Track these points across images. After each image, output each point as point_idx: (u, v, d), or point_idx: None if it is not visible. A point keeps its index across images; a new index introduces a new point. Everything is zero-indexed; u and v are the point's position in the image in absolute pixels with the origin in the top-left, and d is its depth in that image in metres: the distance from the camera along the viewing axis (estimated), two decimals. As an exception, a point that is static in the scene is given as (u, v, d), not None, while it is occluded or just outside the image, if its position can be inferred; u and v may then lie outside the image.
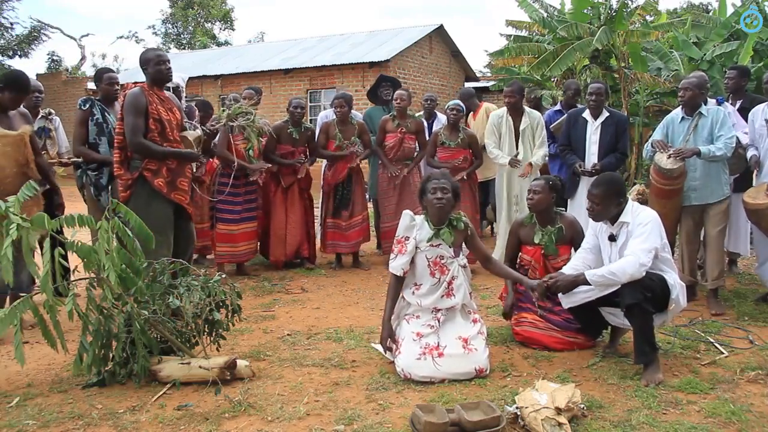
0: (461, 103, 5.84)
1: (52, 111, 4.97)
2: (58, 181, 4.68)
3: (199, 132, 4.37)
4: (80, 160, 4.75)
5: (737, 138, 4.39)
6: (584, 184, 5.10)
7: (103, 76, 4.91)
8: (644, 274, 3.12)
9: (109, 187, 4.76)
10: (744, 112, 4.90)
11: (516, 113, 5.60)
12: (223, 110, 5.43)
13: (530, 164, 5.51)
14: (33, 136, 4.26)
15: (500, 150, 5.60)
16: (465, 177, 5.53)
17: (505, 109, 5.67)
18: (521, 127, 5.55)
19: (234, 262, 5.80)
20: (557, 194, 3.90)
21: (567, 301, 3.45)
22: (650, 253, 3.15)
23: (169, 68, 4.13)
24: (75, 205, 6.17)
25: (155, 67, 4.08)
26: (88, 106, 4.79)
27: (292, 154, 5.81)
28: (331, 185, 5.89)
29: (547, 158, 5.83)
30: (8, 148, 3.99)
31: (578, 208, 5.00)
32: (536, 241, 3.85)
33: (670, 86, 9.76)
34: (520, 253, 3.98)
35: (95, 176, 4.77)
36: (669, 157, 4.25)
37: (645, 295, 3.11)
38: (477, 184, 6.03)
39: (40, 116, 4.77)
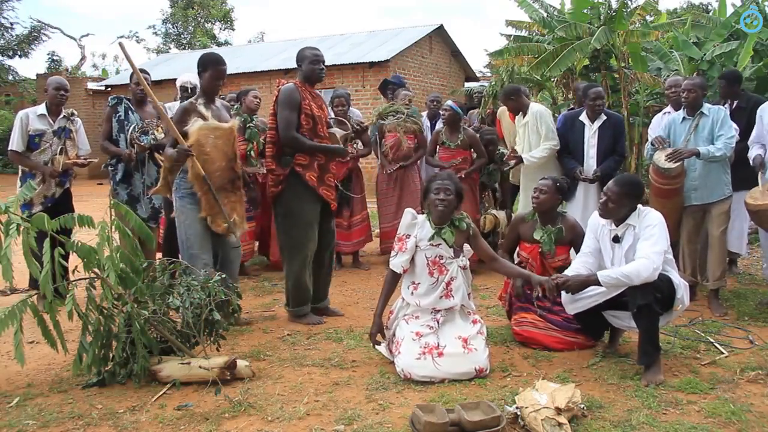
0: (453, 104, 5.81)
1: (75, 112, 4.93)
2: (76, 181, 4.75)
3: (345, 131, 4.44)
4: (96, 160, 4.77)
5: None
6: (582, 188, 5.09)
7: (133, 75, 4.89)
8: (656, 277, 3.12)
9: (126, 183, 4.78)
10: (740, 111, 4.89)
11: (518, 113, 5.51)
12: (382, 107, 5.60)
13: (520, 158, 5.32)
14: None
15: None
16: (463, 175, 5.49)
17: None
18: (521, 123, 5.47)
19: None
20: (562, 196, 3.91)
21: (572, 307, 3.44)
22: (662, 255, 3.15)
23: (323, 69, 4.21)
24: (84, 204, 6.18)
25: (309, 65, 4.17)
26: (113, 103, 4.85)
27: None
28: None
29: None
30: (219, 141, 3.92)
31: (575, 211, 4.98)
32: (536, 237, 3.85)
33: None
34: (518, 249, 3.99)
35: (112, 171, 4.81)
36: (667, 157, 4.25)
37: (655, 296, 3.11)
38: (478, 185, 5.99)
39: (62, 116, 4.75)
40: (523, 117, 5.45)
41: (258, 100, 5.76)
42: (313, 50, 4.21)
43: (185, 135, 3.82)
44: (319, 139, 4.16)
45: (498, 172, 6.06)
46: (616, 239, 3.36)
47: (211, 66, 3.95)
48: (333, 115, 5.44)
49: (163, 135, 4.75)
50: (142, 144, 4.72)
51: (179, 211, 3.94)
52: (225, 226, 3.94)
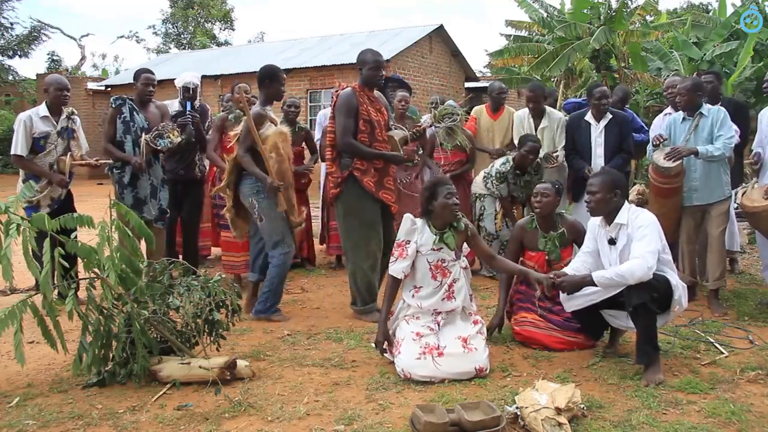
0: (454, 104, 5.81)
1: (74, 110, 4.85)
2: (75, 181, 4.77)
3: (404, 132, 4.46)
4: (111, 161, 4.73)
5: None
6: None
7: (140, 75, 4.85)
8: (651, 276, 3.12)
9: (132, 186, 4.71)
10: None
11: (537, 114, 5.54)
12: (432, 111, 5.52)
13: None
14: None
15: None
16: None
17: (526, 109, 5.61)
18: (540, 127, 5.50)
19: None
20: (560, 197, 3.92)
21: (569, 304, 3.44)
22: (655, 255, 3.15)
23: (383, 76, 4.25)
24: (84, 204, 6.16)
25: (369, 71, 4.20)
26: (117, 104, 4.77)
27: None
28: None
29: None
30: (285, 144, 4.21)
31: (584, 212, 4.98)
32: (541, 248, 3.84)
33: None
34: (522, 259, 3.96)
35: (118, 174, 4.72)
36: (666, 156, 4.26)
37: (651, 296, 3.11)
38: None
39: (64, 116, 4.70)
40: (539, 119, 5.49)
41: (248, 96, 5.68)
42: (375, 56, 4.21)
43: (262, 138, 4.06)
44: (378, 143, 4.19)
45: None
46: (612, 242, 3.37)
47: (277, 75, 4.22)
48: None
49: (179, 138, 4.74)
50: (159, 147, 4.69)
51: (265, 209, 4.14)
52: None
